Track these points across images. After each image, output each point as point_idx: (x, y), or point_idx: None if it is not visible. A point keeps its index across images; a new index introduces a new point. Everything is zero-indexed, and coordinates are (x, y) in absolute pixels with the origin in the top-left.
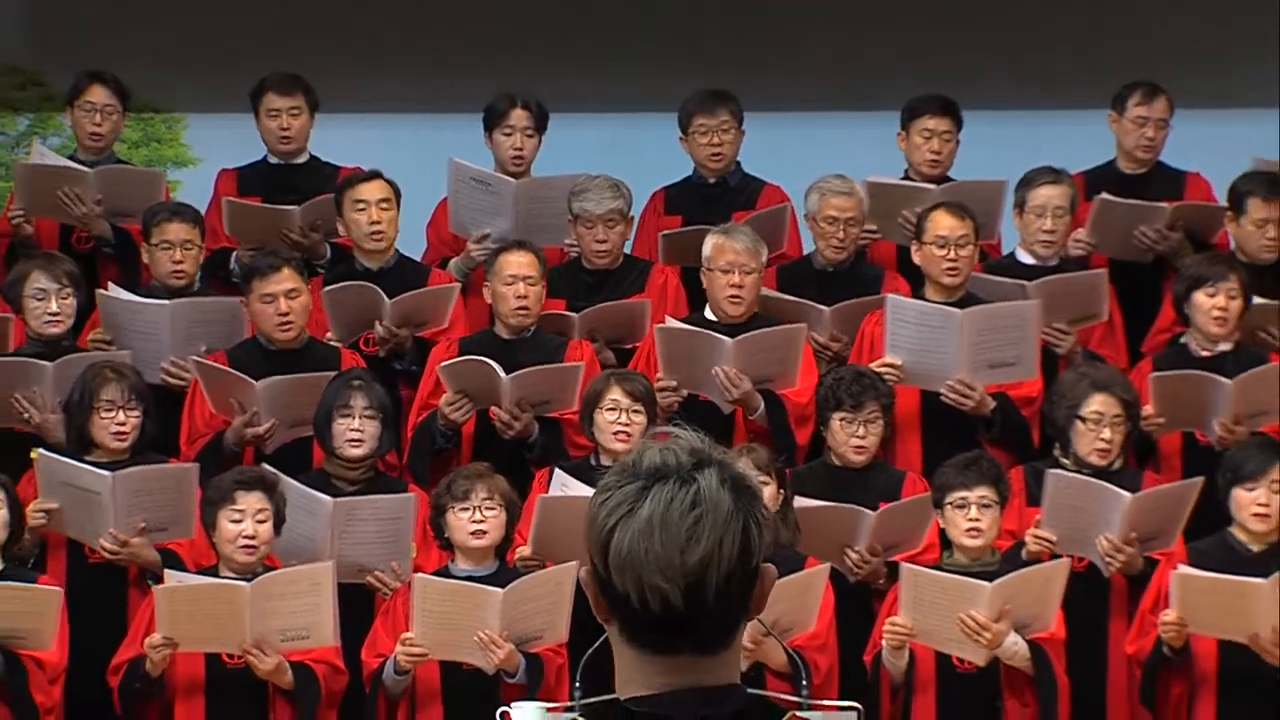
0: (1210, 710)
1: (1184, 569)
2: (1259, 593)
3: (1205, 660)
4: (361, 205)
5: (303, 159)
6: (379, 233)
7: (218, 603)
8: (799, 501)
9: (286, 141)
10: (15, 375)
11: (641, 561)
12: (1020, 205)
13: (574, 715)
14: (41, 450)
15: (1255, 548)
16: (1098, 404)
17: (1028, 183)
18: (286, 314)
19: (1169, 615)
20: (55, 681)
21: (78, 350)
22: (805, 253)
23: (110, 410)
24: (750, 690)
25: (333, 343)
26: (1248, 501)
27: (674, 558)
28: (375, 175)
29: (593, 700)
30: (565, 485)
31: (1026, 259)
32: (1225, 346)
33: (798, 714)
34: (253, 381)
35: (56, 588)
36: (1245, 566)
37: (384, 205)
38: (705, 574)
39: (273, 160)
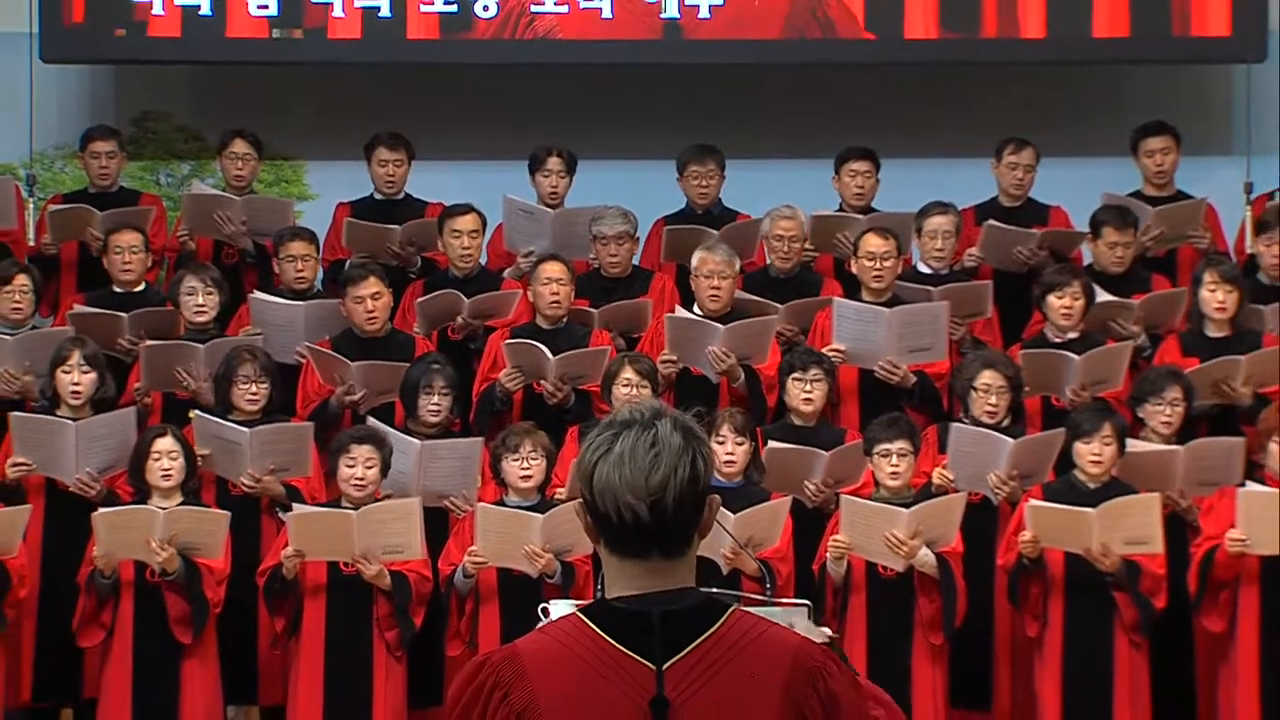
0: (1059, 605)
1: (1034, 501)
2: (1088, 519)
3: (1055, 568)
4: (456, 233)
5: (400, 196)
6: (468, 255)
7: (334, 525)
8: (772, 444)
9: (391, 185)
10: (178, 354)
11: (616, 486)
12: (918, 230)
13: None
14: (197, 411)
15: (1092, 486)
16: (986, 377)
17: (923, 213)
18: (372, 311)
19: (1025, 535)
20: (221, 583)
21: (224, 337)
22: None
23: (246, 382)
24: (702, 590)
25: (416, 332)
26: (1085, 453)
27: (640, 482)
28: (469, 209)
29: (587, 601)
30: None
31: (924, 269)
32: (1073, 335)
33: (741, 608)
34: (349, 363)
35: (226, 512)
36: (1086, 499)
37: (474, 234)
38: (664, 493)
39: (378, 196)
